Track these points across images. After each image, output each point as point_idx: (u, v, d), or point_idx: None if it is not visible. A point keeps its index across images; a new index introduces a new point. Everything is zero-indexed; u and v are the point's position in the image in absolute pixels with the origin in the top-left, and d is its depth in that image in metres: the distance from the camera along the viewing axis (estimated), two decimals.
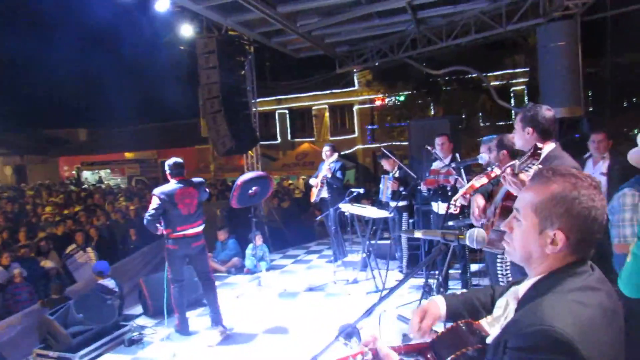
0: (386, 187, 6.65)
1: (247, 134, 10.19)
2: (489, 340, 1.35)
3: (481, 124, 16.84)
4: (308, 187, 15.96)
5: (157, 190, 5.04)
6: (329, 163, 7.16)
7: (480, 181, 3.63)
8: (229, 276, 7.50)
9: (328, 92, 25.25)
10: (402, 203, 6.42)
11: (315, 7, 7.47)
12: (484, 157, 3.35)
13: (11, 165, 32.12)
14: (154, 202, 4.94)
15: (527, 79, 16.74)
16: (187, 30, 8.27)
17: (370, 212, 6.15)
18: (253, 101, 10.64)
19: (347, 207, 6.39)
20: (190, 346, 4.81)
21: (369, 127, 24.69)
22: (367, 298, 5.87)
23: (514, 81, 17.78)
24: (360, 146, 25.46)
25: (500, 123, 15.64)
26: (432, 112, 17.49)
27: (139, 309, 6.03)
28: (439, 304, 1.63)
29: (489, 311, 1.54)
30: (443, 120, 7.17)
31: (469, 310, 1.63)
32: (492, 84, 14.41)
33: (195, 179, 5.35)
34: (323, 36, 9.34)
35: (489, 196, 3.14)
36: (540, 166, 2.44)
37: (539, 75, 7.40)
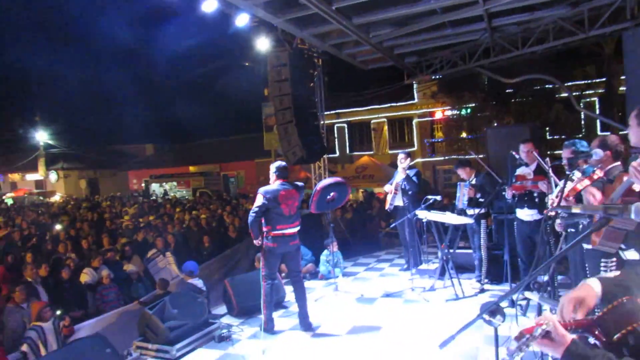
0: (462, 194, 6.58)
1: (316, 145, 10.43)
2: None
3: (548, 137, 16.22)
4: (370, 198, 16.03)
5: (262, 190, 5.30)
6: (403, 168, 7.19)
7: (582, 184, 3.57)
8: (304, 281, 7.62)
9: (387, 105, 25.32)
10: (477, 210, 6.34)
11: (389, 18, 7.59)
12: (598, 152, 3.28)
13: (85, 179, 34.32)
14: (259, 200, 5.20)
15: (602, 90, 16.02)
16: (263, 44, 8.61)
17: (450, 218, 6.12)
18: (320, 113, 10.88)
19: (424, 214, 6.39)
20: (278, 344, 4.95)
21: (429, 140, 24.46)
22: (446, 305, 5.81)
23: (586, 92, 17.07)
24: (419, 159, 25.22)
25: (578, 136, 14.99)
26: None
27: (222, 309, 6.27)
28: (593, 285, 1.62)
29: None
30: (522, 127, 7.02)
31: (622, 291, 1.62)
32: (563, 95, 13.94)
33: (298, 183, 5.56)
34: (393, 47, 9.46)
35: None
36: None
37: (627, 82, 7.10)
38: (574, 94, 11.84)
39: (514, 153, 5.56)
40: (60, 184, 33.12)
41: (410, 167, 7.29)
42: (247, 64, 21.94)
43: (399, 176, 7.35)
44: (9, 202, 25.19)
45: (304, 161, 9.88)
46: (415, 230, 7.31)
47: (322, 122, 10.92)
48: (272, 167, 5.54)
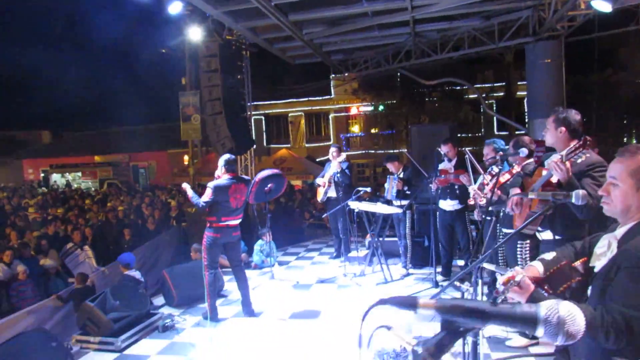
0: (391, 186, 7.12)
1: (245, 136, 10.53)
2: (597, 269, 1.80)
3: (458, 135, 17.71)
4: (290, 191, 16.35)
5: (212, 184, 5.34)
6: (338, 162, 7.56)
7: (504, 177, 4.21)
8: None
9: (305, 99, 25.78)
10: (404, 202, 6.93)
11: (323, 17, 7.91)
12: (524, 150, 3.88)
13: None
14: (208, 194, 5.25)
15: (501, 93, 17.80)
16: (195, 34, 8.52)
17: (381, 208, 6.61)
18: (248, 105, 10.98)
19: (357, 205, 6.82)
20: (223, 331, 5.08)
21: (345, 135, 25.35)
22: (377, 289, 6.29)
23: (487, 94, 18.83)
24: None
25: (478, 135, 16.56)
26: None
27: (159, 300, 6.23)
28: (536, 266, 2.05)
29: (583, 255, 1.99)
30: (443, 126, 7.72)
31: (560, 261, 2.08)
32: (470, 96, 15.36)
33: (245, 177, 5.67)
34: (322, 44, 9.81)
35: (521, 187, 3.66)
36: (587, 154, 2.98)
37: (527, 88, 8.10)
38: (478, 96, 13.10)
39: (440, 150, 6.17)
40: None
41: (344, 161, 7.68)
42: (163, 50, 21.25)
43: (332, 169, 7.72)
44: None
45: (234, 153, 9.90)
46: (347, 219, 7.75)
47: (249, 114, 11.03)
48: (221, 161, 5.61)
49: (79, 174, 25.26)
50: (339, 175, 7.60)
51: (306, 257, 8.68)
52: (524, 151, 3.87)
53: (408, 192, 6.97)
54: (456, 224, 6.25)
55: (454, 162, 6.25)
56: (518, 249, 4.25)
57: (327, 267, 7.63)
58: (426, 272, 6.95)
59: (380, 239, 7.00)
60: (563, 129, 3.32)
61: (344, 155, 7.63)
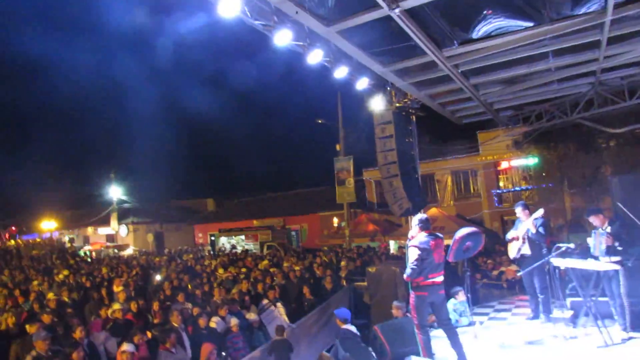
0: (599, 242, 6.72)
1: (418, 196, 10.85)
2: None
3: None
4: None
5: (413, 243, 5.60)
6: (532, 219, 7.38)
7: None
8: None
9: (451, 157, 25.68)
10: (616, 258, 6.45)
11: (501, 78, 8.12)
12: None
13: (152, 233, 35.83)
14: (414, 253, 5.48)
15: None
16: (377, 104, 9.29)
17: (594, 264, 6.26)
18: (418, 165, 11.37)
19: (562, 262, 6.54)
20: None
21: (497, 191, 24.39)
22: (598, 352, 5.85)
23: None
24: (486, 210, 25.09)
25: None
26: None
27: None
28: None
29: None
30: None
31: None
32: None
33: (439, 234, 5.90)
34: (492, 103, 9.96)
35: None
36: None
37: None
38: None
39: None
40: (129, 238, 34.70)
41: (540, 217, 7.47)
42: (320, 121, 23.11)
43: (524, 226, 7.55)
44: (84, 254, 26.62)
45: (410, 213, 10.27)
46: (546, 277, 7.43)
47: (419, 175, 11.39)
48: (415, 220, 5.89)
49: (242, 237, 27.79)
50: (533, 233, 7.39)
51: (498, 317, 8.38)
52: None
53: (620, 248, 6.51)
54: None
55: None
56: None
57: (528, 328, 7.29)
58: None
59: (594, 298, 6.55)
60: None
61: (540, 211, 7.41)
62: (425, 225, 5.76)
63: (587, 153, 15.28)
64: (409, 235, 5.94)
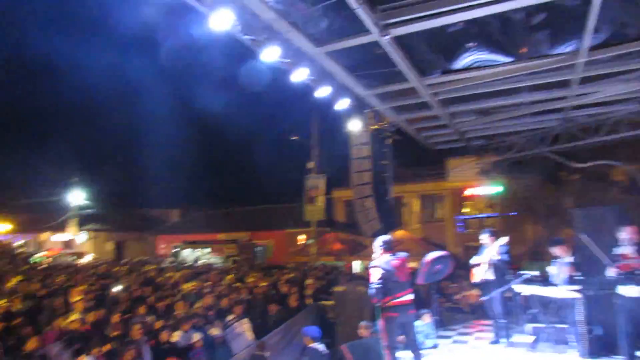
0: (560, 271, 6.96)
1: (390, 218, 10.98)
2: None
3: None
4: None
5: (374, 263, 5.67)
6: (497, 245, 7.56)
7: None
8: None
9: (418, 182, 26.14)
10: (576, 287, 6.69)
11: (477, 108, 8.39)
12: None
13: (113, 241, 34.70)
14: (377, 273, 5.54)
15: None
16: (355, 125, 9.41)
17: (556, 292, 6.45)
18: (391, 188, 11.53)
19: (523, 288, 6.73)
20: None
21: (461, 217, 24.93)
22: None
23: None
24: (450, 235, 25.55)
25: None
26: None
27: None
28: None
29: None
30: (609, 210, 7.50)
31: None
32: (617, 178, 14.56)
33: (402, 253, 5.97)
34: (466, 131, 10.25)
35: None
36: None
37: None
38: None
39: (620, 235, 6.03)
40: (87, 245, 33.40)
41: (504, 244, 7.65)
42: (294, 137, 23.07)
43: (489, 252, 7.72)
44: (39, 260, 25.42)
45: (381, 233, 10.35)
46: (507, 303, 7.59)
47: (391, 197, 11.54)
48: (378, 241, 5.95)
49: (208, 249, 27.27)
50: (497, 259, 7.56)
51: (461, 340, 8.48)
52: None
53: (580, 278, 6.75)
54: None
55: (636, 246, 6.04)
56: None
57: (491, 352, 7.40)
58: None
59: (554, 325, 6.74)
60: None
61: (505, 238, 7.60)
62: (388, 246, 5.83)
63: (552, 184, 15.87)
64: (372, 257, 5.99)
